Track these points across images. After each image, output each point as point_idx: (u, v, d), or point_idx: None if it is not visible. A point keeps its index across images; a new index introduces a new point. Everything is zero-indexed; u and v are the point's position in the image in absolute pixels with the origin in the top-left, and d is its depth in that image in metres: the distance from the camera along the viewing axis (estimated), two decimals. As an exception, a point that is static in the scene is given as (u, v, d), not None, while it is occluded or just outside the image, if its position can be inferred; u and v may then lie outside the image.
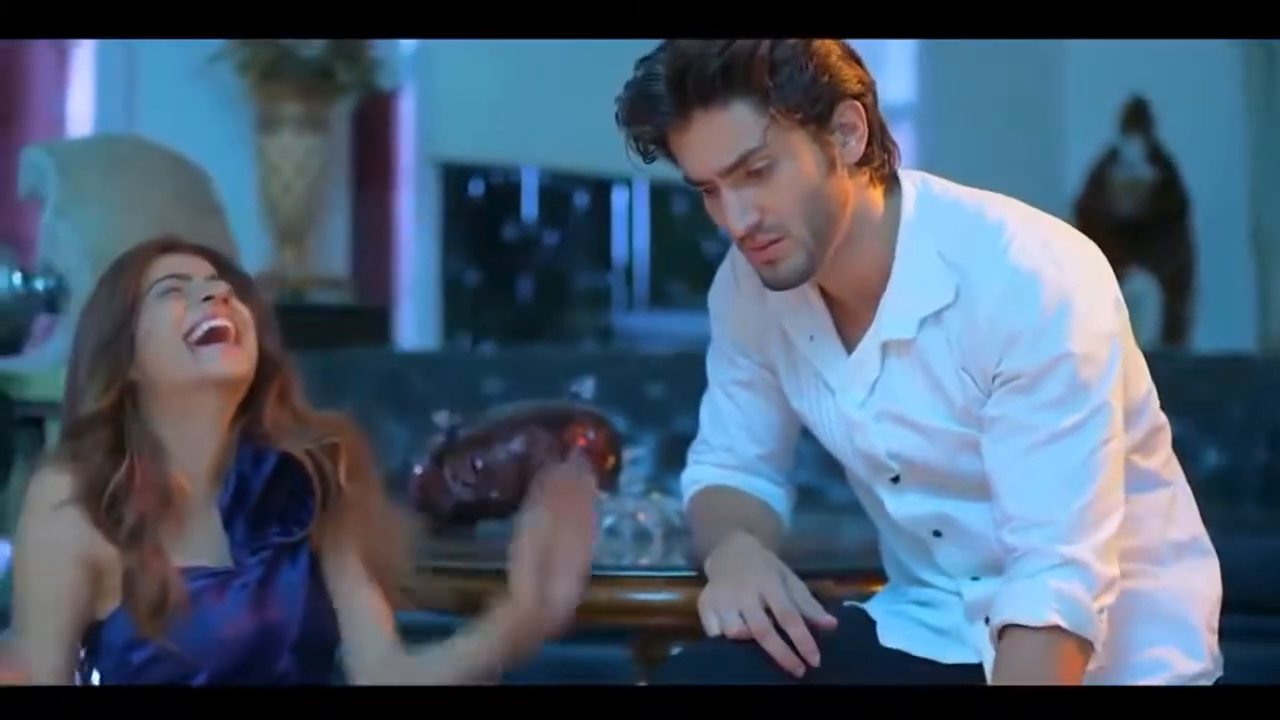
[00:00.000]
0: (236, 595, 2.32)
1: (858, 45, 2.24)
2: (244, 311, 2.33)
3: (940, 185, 2.28)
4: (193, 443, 2.33)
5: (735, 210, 2.17)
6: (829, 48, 2.17)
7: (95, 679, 2.32)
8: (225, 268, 2.38)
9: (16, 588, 2.28)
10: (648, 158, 2.22)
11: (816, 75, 2.15)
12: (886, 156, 2.23)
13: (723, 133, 2.14)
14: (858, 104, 2.18)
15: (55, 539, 2.26)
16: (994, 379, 2.18)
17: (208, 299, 2.29)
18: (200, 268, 2.35)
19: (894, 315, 2.24)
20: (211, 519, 2.34)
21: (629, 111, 2.19)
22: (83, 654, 2.32)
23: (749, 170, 2.15)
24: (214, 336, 2.29)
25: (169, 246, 2.36)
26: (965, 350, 2.19)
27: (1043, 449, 2.15)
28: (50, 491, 2.27)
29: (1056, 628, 2.12)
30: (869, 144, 2.20)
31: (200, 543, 2.33)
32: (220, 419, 2.33)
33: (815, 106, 2.15)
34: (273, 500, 2.36)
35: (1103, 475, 2.15)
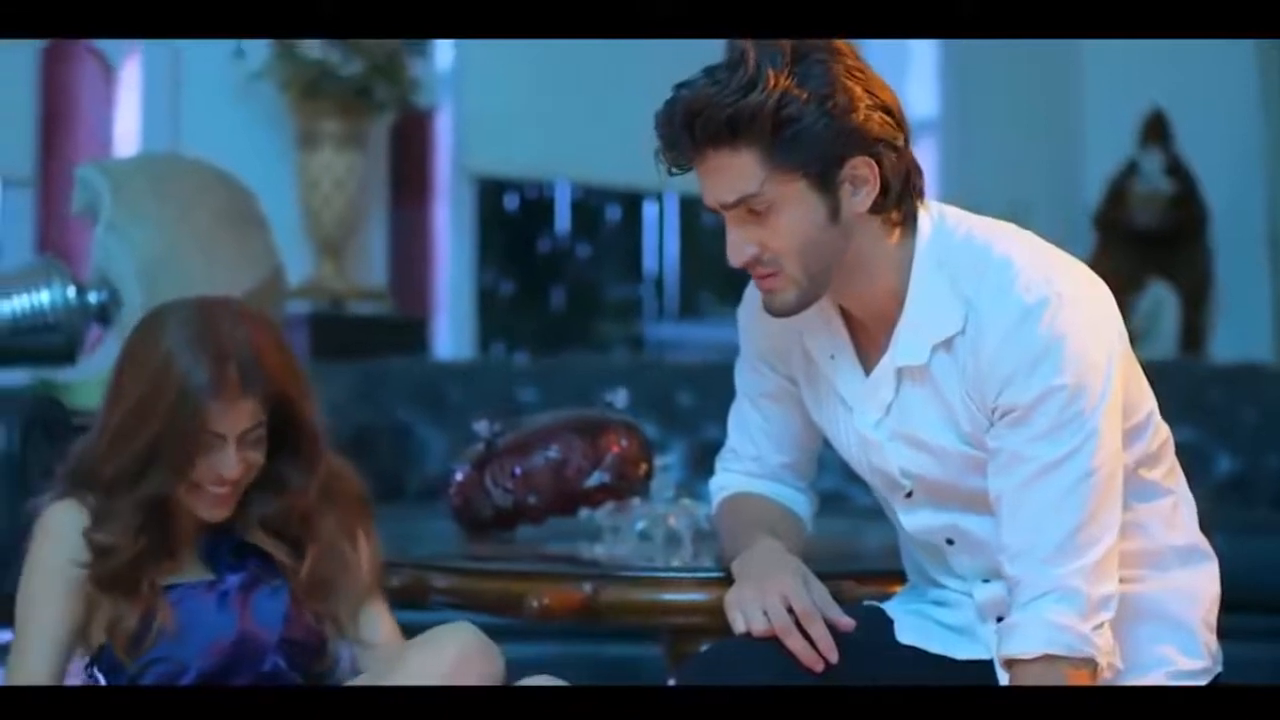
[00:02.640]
0: (219, 598, 2.43)
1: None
2: (256, 460, 2.40)
3: (955, 217, 2.31)
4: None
5: (734, 244, 2.25)
6: (860, 98, 2.20)
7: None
8: (274, 399, 2.40)
9: (21, 597, 2.41)
10: (674, 171, 2.28)
11: (828, 131, 2.18)
12: (903, 203, 2.27)
13: (726, 173, 2.21)
14: (869, 160, 2.22)
15: (63, 564, 2.39)
16: (993, 411, 2.22)
17: (222, 480, 2.38)
18: (239, 419, 2.37)
19: (908, 341, 2.28)
20: (196, 551, 2.47)
21: (659, 135, 2.26)
22: (97, 673, 2.43)
23: (749, 209, 2.22)
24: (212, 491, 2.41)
25: (230, 396, 2.35)
26: (970, 379, 2.24)
27: (1035, 481, 2.19)
28: (69, 524, 2.40)
29: (1050, 656, 2.18)
30: (882, 195, 2.24)
31: (185, 570, 2.46)
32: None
33: (818, 164, 2.19)
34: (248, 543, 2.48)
35: (1092, 502, 2.19)
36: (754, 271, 2.28)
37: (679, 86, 2.24)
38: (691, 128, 2.20)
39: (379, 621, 2.53)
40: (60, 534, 2.40)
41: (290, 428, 2.43)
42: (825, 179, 2.21)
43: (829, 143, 2.20)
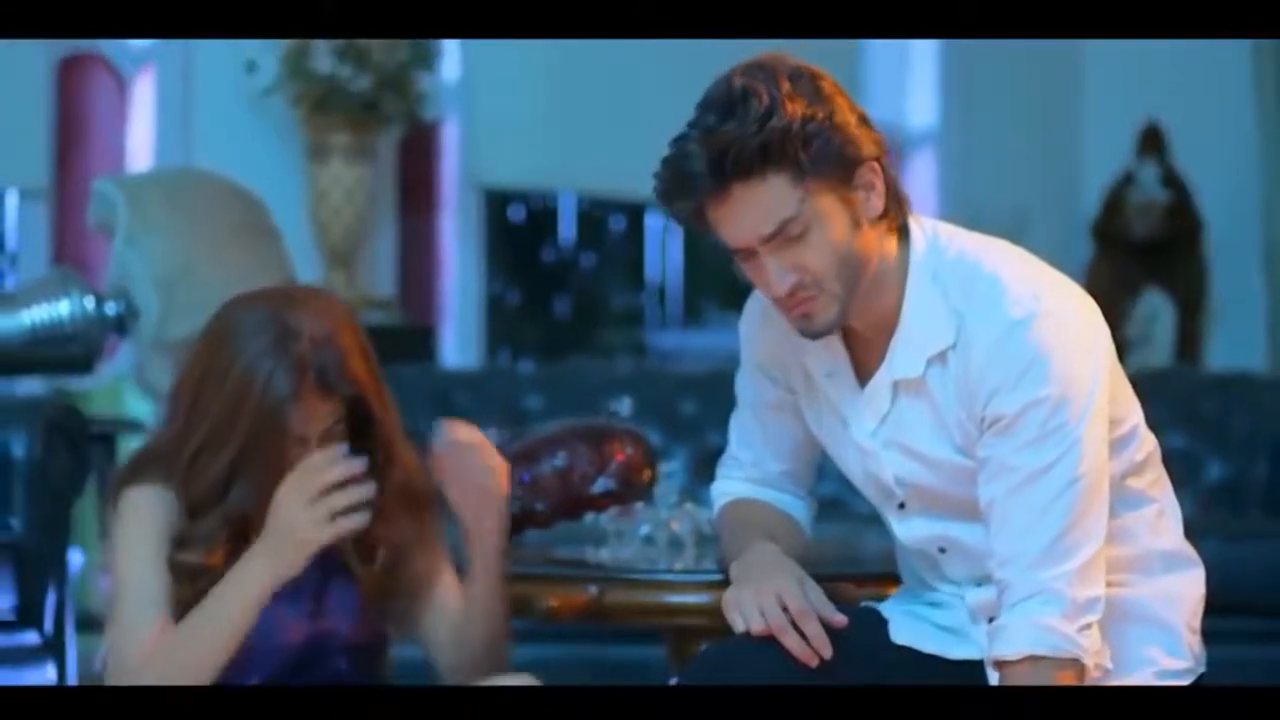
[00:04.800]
0: (290, 599, 2.43)
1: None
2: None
3: (948, 233, 2.36)
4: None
5: (774, 274, 2.26)
6: (847, 117, 2.25)
7: None
8: (352, 400, 2.41)
9: (118, 569, 2.39)
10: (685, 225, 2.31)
11: (841, 141, 2.24)
12: (899, 208, 2.33)
13: (762, 204, 2.23)
14: (875, 164, 2.28)
15: (154, 535, 2.39)
16: (981, 420, 2.27)
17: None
18: (319, 420, 2.38)
19: (904, 355, 2.33)
20: None
21: (668, 188, 2.26)
22: None
23: (786, 237, 2.24)
24: None
25: (310, 400, 2.37)
26: (960, 391, 2.29)
27: (1022, 488, 2.25)
28: (156, 503, 2.40)
29: (1035, 656, 2.23)
30: (886, 198, 2.30)
31: None
32: None
33: (839, 175, 2.25)
34: None
35: (1077, 509, 2.24)
36: (792, 300, 2.28)
37: (676, 141, 2.25)
38: (721, 166, 2.21)
39: (449, 590, 2.54)
40: (148, 511, 2.39)
41: (367, 425, 2.44)
42: (847, 189, 2.27)
43: (844, 153, 2.25)
